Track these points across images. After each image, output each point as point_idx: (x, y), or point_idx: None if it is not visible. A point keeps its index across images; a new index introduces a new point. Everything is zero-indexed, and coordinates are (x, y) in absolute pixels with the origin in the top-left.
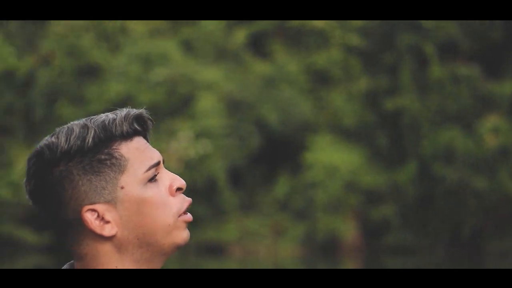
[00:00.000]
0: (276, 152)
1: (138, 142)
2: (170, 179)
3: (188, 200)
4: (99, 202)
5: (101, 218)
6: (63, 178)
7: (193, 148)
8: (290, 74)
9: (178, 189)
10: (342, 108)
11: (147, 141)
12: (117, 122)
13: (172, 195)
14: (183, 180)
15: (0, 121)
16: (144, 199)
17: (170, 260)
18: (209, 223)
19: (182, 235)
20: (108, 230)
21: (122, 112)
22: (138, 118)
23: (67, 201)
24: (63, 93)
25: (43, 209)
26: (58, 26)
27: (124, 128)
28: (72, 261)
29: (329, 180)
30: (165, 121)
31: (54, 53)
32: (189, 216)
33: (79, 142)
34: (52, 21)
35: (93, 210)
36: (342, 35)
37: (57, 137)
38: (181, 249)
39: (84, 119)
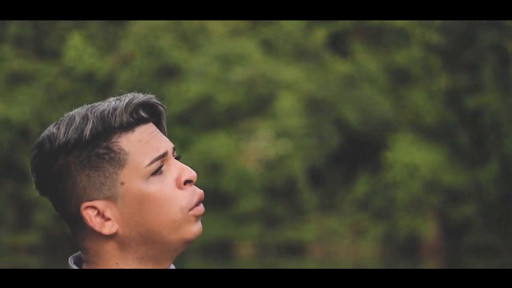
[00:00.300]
0: (356, 152)
1: (142, 132)
2: (178, 171)
3: (199, 192)
4: (98, 199)
5: (101, 215)
6: (62, 173)
7: (273, 148)
8: (370, 73)
9: (188, 181)
10: (423, 106)
11: (162, 126)
12: (117, 112)
13: (180, 188)
14: (193, 172)
15: None
16: (147, 194)
17: (250, 261)
18: (289, 223)
19: (192, 230)
20: (108, 228)
21: (125, 99)
22: (143, 106)
23: (68, 196)
24: (143, 93)
25: (50, 201)
26: (138, 27)
27: (124, 118)
28: (79, 252)
29: (410, 179)
30: (244, 121)
31: (134, 53)
32: (200, 209)
33: (76, 135)
34: (132, 22)
35: (93, 207)
36: (422, 33)
37: (58, 128)
38: (261, 249)
39: (87, 107)
